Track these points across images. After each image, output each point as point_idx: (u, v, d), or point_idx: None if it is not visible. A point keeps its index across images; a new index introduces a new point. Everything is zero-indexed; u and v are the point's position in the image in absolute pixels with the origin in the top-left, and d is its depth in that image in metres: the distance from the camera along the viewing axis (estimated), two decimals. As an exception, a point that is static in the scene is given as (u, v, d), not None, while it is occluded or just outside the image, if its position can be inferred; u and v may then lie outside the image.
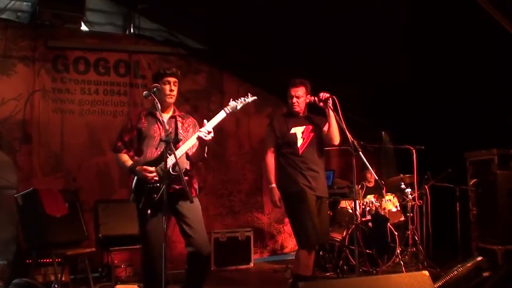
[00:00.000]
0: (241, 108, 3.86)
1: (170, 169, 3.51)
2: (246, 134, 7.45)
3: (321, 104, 4.17)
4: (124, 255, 6.01)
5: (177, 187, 3.61)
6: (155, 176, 3.57)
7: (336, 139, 4.25)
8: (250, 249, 6.76)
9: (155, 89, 3.59)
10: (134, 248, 5.69)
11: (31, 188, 4.99)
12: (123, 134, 3.86)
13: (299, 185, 4.14)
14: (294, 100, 4.28)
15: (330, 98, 4.11)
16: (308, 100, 4.30)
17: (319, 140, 4.31)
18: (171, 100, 3.80)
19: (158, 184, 3.58)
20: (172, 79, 3.76)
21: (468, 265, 3.24)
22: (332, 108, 4.10)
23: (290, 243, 7.57)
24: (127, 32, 7.01)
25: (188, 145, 3.66)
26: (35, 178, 6.11)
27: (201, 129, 3.63)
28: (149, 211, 3.59)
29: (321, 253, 6.06)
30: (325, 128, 4.31)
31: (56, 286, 4.78)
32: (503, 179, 5.83)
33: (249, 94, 3.90)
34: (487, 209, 5.95)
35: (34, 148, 6.19)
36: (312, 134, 4.28)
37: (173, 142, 3.49)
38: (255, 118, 7.58)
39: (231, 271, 6.49)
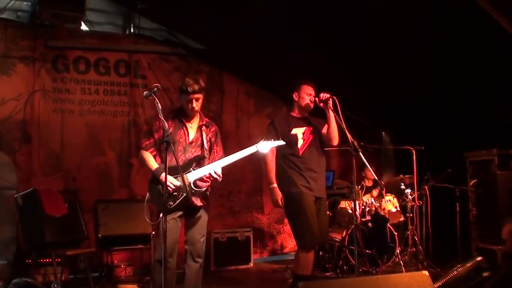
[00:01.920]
0: (269, 149, 3.96)
1: (192, 184, 3.71)
2: (246, 134, 7.45)
3: (321, 104, 4.17)
4: (124, 255, 6.02)
5: (197, 204, 3.81)
6: (175, 191, 3.67)
7: (336, 140, 4.26)
8: (249, 249, 6.76)
9: (155, 89, 3.60)
10: (134, 248, 5.70)
11: (31, 188, 4.99)
12: (152, 133, 3.91)
13: (297, 186, 4.14)
14: (311, 98, 4.28)
15: (330, 99, 4.11)
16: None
17: (319, 141, 4.32)
18: (194, 113, 3.89)
19: (175, 193, 3.68)
20: (194, 96, 3.80)
21: (468, 265, 3.24)
22: (332, 108, 4.11)
23: (289, 243, 7.57)
24: (127, 32, 7.01)
25: (200, 173, 3.76)
26: (35, 178, 6.10)
27: (214, 166, 3.75)
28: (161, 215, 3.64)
29: (321, 253, 6.06)
30: (324, 129, 4.31)
31: (56, 286, 4.77)
32: (503, 179, 5.82)
33: (280, 139, 3.99)
34: (487, 209, 5.95)
35: (34, 148, 6.18)
36: (312, 136, 4.29)
37: (198, 158, 3.79)
38: (255, 118, 7.58)
39: (231, 271, 6.49)
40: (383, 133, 8.04)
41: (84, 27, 6.65)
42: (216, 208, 7.21)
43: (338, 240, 6.08)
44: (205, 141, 3.92)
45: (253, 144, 3.86)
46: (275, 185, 4.23)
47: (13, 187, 5.59)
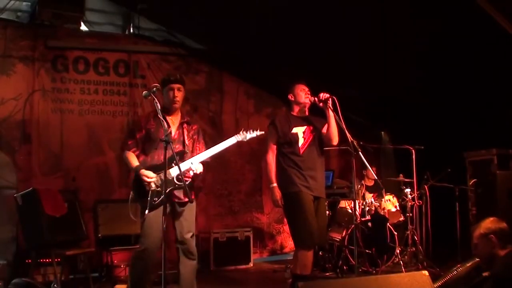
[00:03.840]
0: (248, 139, 4.05)
1: (175, 179, 3.72)
2: (246, 134, 7.43)
3: (321, 104, 4.18)
4: (124, 255, 6.00)
5: (179, 200, 3.84)
6: (151, 183, 3.72)
7: (335, 139, 4.27)
8: (249, 249, 6.76)
9: (154, 89, 3.62)
10: (134, 248, 5.68)
11: (31, 188, 4.99)
12: (134, 133, 3.96)
13: (296, 186, 4.15)
14: (307, 93, 4.31)
15: (330, 98, 4.11)
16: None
17: (319, 140, 4.33)
18: (176, 105, 3.94)
19: (159, 189, 3.71)
20: (176, 86, 3.89)
21: (468, 265, 3.24)
22: (332, 108, 4.11)
23: (289, 243, 7.56)
24: (126, 32, 7.00)
25: (185, 166, 3.78)
26: (34, 178, 6.10)
27: (194, 159, 3.80)
28: (146, 211, 3.69)
29: (320, 253, 6.06)
30: (324, 129, 4.32)
31: (55, 286, 4.77)
32: (503, 179, 5.83)
33: (258, 129, 4.08)
34: (486, 209, 5.94)
35: (34, 148, 6.18)
36: (312, 135, 4.30)
37: (179, 154, 3.80)
38: (254, 118, 7.58)
39: (231, 271, 6.49)
40: (383, 132, 8.04)
41: (83, 27, 6.65)
42: (216, 208, 7.21)
43: (338, 240, 6.08)
44: (186, 138, 3.96)
45: (233, 136, 3.97)
46: (275, 184, 4.24)
47: (12, 186, 5.59)
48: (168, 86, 3.89)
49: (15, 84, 6.16)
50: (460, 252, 5.84)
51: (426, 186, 6.22)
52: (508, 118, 5.68)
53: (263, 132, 4.08)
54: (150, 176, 3.72)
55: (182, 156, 3.86)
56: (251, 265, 6.74)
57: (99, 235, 5.52)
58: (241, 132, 3.99)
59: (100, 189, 6.43)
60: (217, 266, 6.49)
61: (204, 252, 6.66)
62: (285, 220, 7.19)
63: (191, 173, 3.78)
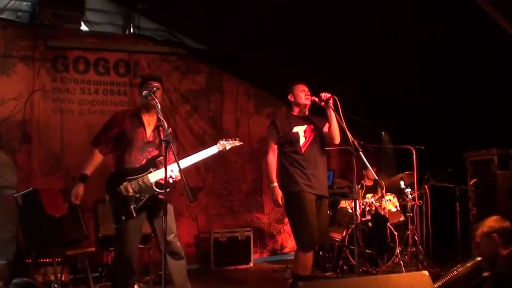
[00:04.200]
0: (230, 149, 4.05)
1: (153, 185, 3.68)
2: (245, 134, 7.44)
3: (322, 104, 4.18)
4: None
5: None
6: (128, 188, 3.66)
7: (337, 139, 4.27)
8: (250, 249, 6.76)
9: (154, 88, 3.61)
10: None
11: (31, 188, 4.99)
12: (108, 129, 3.93)
13: (299, 185, 4.14)
14: (306, 93, 4.31)
15: (331, 98, 4.11)
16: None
17: (320, 139, 4.33)
18: (151, 105, 3.82)
19: (137, 195, 3.66)
20: (154, 83, 3.84)
21: (468, 265, 3.23)
22: (333, 108, 4.11)
23: (290, 243, 7.57)
24: (127, 32, 7.00)
25: (161, 174, 3.68)
26: (34, 178, 6.10)
27: (174, 167, 3.64)
28: (123, 217, 3.66)
29: (320, 253, 6.05)
30: (325, 128, 4.32)
31: (56, 286, 4.78)
32: (503, 179, 5.83)
33: (237, 139, 4.11)
34: (487, 209, 5.93)
35: (34, 148, 6.18)
36: (313, 133, 4.30)
37: (157, 157, 3.77)
38: (254, 118, 7.58)
39: (231, 271, 6.49)
40: (383, 132, 8.05)
41: (84, 27, 6.64)
42: (216, 208, 7.21)
43: (338, 240, 6.08)
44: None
45: (214, 145, 3.94)
46: (276, 184, 4.23)
47: (13, 186, 5.58)
48: (146, 84, 3.86)
49: (15, 84, 6.16)
50: (460, 252, 5.84)
51: (426, 186, 6.22)
52: (508, 118, 5.68)
53: (242, 143, 4.09)
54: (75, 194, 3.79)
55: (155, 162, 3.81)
56: (252, 265, 6.74)
57: (99, 235, 5.52)
58: (221, 141, 3.97)
59: (100, 189, 6.36)
60: (217, 266, 6.49)
61: (204, 252, 6.67)
62: (286, 220, 7.24)
63: (171, 180, 3.61)
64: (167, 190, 3.45)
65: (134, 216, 3.64)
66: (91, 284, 5.04)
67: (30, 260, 5.05)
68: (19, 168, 5.99)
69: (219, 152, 3.95)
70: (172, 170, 3.62)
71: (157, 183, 3.71)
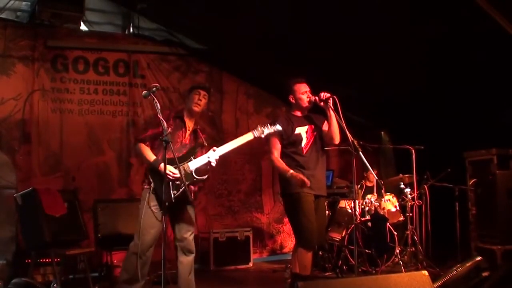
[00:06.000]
0: (267, 135, 4.05)
1: (193, 173, 3.84)
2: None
3: (322, 104, 4.17)
4: (124, 255, 5.99)
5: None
6: (176, 179, 3.76)
7: (337, 139, 4.26)
8: (249, 249, 6.77)
9: (154, 88, 3.62)
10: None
11: (30, 188, 4.97)
12: (151, 127, 4.04)
13: (298, 186, 4.13)
14: (308, 94, 4.28)
15: (331, 98, 4.10)
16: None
17: (321, 139, 4.32)
18: (196, 112, 4.09)
19: (178, 182, 3.77)
20: (202, 92, 4.08)
21: (467, 265, 3.24)
22: (332, 108, 4.11)
23: (289, 243, 7.57)
24: (126, 32, 7.00)
25: (200, 162, 3.88)
26: (34, 177, 6.10)
27: (211, 154, 3.86)
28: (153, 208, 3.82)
29: (320, 253, 6.06)
30: (325, 126, 4.31)
31: (55, 285, 4.77)
32: (502, 179, 5.82)
33: (276, 123, 4.10)
34: (486, 209, 5.95)
35: (34, 147, 6.18)
36: (314, 134, 4.29)
37: (198, 146, 4.00)
38: (254, 118, 7.58)
39: (230, 271, 6.50)
40: (383, 132, 8.05)
41: (83, 27, 6.65)
42: (216, 208, 7.21)
43: (338, 239, 6.08)
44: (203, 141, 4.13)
45: (250, 132, 3.98)
46: (292, 171, 4.13)
47: (12, 186, 5.57)
48: (194, 90, 4.09)
49: (14, 84, 6.16)
50: (460, 252, 5.85)
51: (426, 186, 6.22)
52: (508, 118, 5.68)
53: (280, 128, 4.06)
54: (174, 172, 3.74)
55: (200, 149, 4.02)
56: (251, 265, 6.74)
57: (99, 235, 5.51)
58: (258, 127, 4.00)
59: (100, 189, 6.43)
60: (217, 266, 6.49)
61: (204, 252, 6.67)
62: (285, 220, 7.25)
63: (213, 163, 3.82)
64: (190, 182, 3.82)
65: (173, 201, 3.71)
66: (91, 284, 5.04)
67: (29, 260, 5.04)
68: (18, 168, 5.99)
69: (255, 138, 3.99)
70: (209, 157, 3.84)
71: (197, 170, 3.85)
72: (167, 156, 3.66)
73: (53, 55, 6.40)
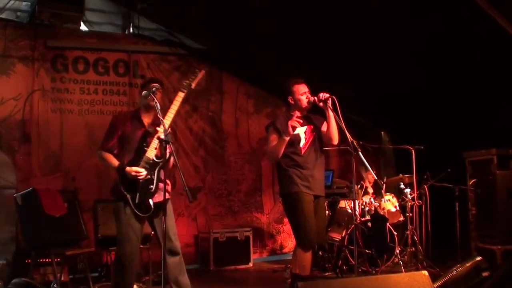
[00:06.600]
0: (195, 84, 4.05)
1: (155, 159, 3.74)
2: (245, 134, 7.45)
3: (321, 104, 4.17)
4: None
5: (158, 200, 3.77)
6: (145, 175, 3.72)
7: (336, 139, 4.26)
8: (249, 249, 6.77)
9: (154, 89, 3.63)
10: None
11: (30, 188, 4.98)
12: (113, 134, 3.94)
13: (297, 186, 4.13)
14: (307, 95, 4.27)
15: (330, 98, 4.10)
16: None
17: (319, 139, 4.32)
18: (151, 107, 3.88)
19: (149, 176, 3.73)
20: (155, 85, 3.89)
21: (467, 265, 3.24)
22: (331, 108, 4.10)
23: (289, 243, 7.57)
24: (126, 32, 7.01)
25: (153, 146, 3.78)
26: (34, 177, 6.10)
27: (160, 133, 3.72)
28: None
29: (320, 253, 6.06)
30: (324, 127, 4.31)
31: (55, 286, 4.78)
32: (502, 179, 5.82)
33: (196, 70, 4.10)
34: (486, 209, 5.95)
35: (33, 148, 6.18)
36: (313, 134, 4.29)
37: (145, 137, 3.81)
38: (254, 118, 7.59)
39: (230, 271, 6.49)
40: (382, 132, 8.05)
41: (83, 27, 6.65)
42: (216, 208, 7.22)
43: (338, 240, 6.08)
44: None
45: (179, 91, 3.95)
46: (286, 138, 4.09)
47: (12, 186, 5.59)
48: (147, 85, 3.93)
49: (14, 84, 6.17)
50: (460, 252, 5.85)
51: (426, 186, 6.22)
52: (508, 118, 5.68)
53: (203, 72, 4.06)
54: (139, 171, 3.71)
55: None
56: (251, 265, 6.74)
57: (99, 235, 5.51)
58: (183, 83, 3.99)
59: (100, 189, 6.42)
60: (217, 266, 6.49)
61: (204, 252, 6.68)
62: (285, 220, 7.25)
63: (165, 138, 3.63)
64: (159, 167, 3.70)
65: (152, 210, 3.71)
66: (91, 284, 5.04)
67: (29, 260, 5.05)
68: (18, 168, 5.99)
69: (187, 92, 3.97)
70: (158, 137, 3.71)
71: (156, 155, 3.77)
72: (128, 159, 3.70)
73: (53, 55, 6.40)
